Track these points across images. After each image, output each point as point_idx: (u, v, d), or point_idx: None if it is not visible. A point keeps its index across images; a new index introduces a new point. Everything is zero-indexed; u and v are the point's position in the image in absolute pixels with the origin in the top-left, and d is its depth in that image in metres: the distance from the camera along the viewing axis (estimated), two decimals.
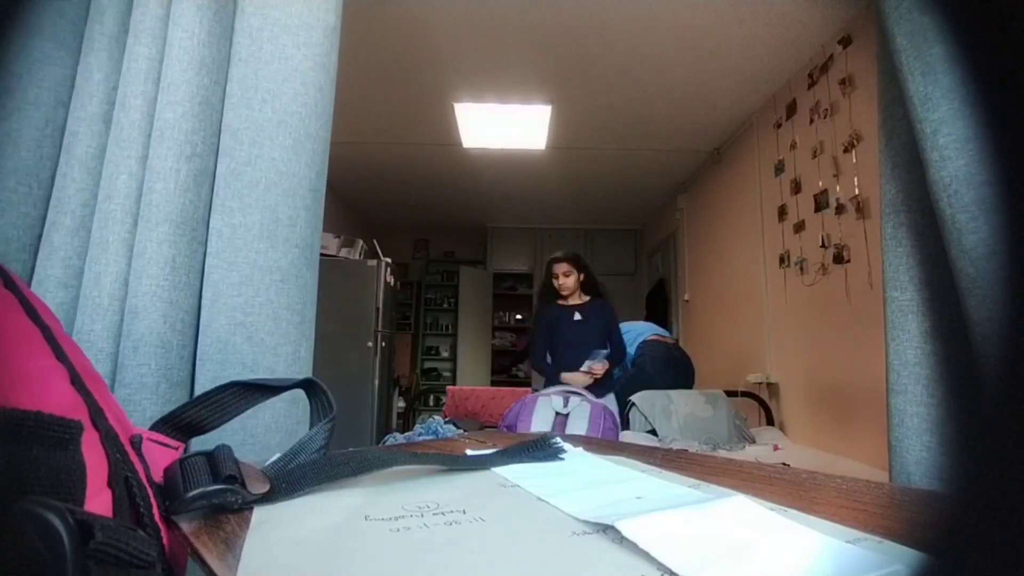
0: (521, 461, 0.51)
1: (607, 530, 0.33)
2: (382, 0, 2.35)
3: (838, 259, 2.51)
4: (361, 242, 4.03)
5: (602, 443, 0.62)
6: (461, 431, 2.03)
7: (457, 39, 2.68)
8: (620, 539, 0.31)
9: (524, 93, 3.20)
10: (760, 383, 3.18)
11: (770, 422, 3.03)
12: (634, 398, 2.77)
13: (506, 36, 2.65)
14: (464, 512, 0.37)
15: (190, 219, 0.78)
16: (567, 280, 2.53)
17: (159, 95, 0.79)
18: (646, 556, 0.29)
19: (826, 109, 2.63)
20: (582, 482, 0.45)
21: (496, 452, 0.54)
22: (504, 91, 3.19)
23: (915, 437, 0.82)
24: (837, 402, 2.53)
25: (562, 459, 0.53)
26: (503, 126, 3.62)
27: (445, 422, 2.19)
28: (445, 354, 6.63)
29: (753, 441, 2.75)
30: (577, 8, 2.41)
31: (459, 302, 6.03)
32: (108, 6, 0.83)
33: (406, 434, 2.20)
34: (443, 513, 0.37)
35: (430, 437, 2.06)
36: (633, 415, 2.76)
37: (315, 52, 0.86)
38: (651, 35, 2.60)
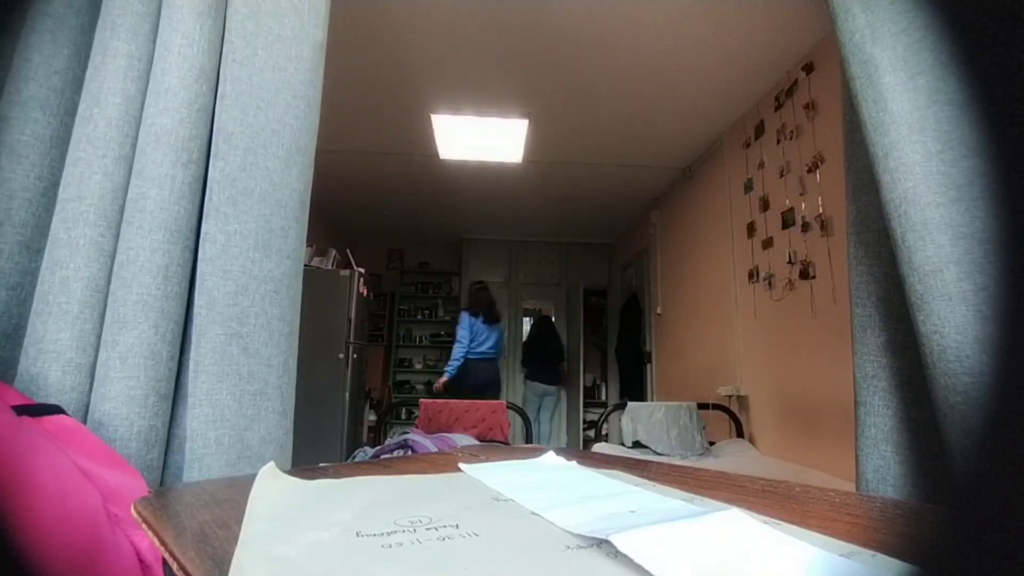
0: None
1: (601, 544, 0.33)
2: (362, 9, 2.35)
3: (804, 275, 2.60)
4: (334, 251, 3.98)
5: (595, 457, 0.63)
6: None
7: (436, 51, 2.69)
8: (615, 553, 0.31)
9: (501, 106, 3.24)
10: (730, 396, 3.25)
11: (740, 434, 3.09)
12: (628, 408, 2.84)
13: (485, 50, 2.68)
14: (457, 527, 0.37)
15: (184, 227, 0.76)
16: None
17: (153, 100, 0.76)
18: (640, 570, 0.29)
19: (792, 131, 2.74)
20: (576, 496, 0.45)
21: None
22: (482, 104, 3.21)
23: (872, 447, 0.85)
24: (804, 414, 2.60)
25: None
26: (480, 138, 3.63)
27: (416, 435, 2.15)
28: (418, 366, 6.55)
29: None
30: (555, 27, 2.46)
31: None
32: None
33: (376, 449, 2.15)
34: (436, 528, 0.37)
35: (400, 452, 2.02)
36: (619, 425, 2.82)
37: (305, 66, 0.85)
38: (625, 56, 2.67)
